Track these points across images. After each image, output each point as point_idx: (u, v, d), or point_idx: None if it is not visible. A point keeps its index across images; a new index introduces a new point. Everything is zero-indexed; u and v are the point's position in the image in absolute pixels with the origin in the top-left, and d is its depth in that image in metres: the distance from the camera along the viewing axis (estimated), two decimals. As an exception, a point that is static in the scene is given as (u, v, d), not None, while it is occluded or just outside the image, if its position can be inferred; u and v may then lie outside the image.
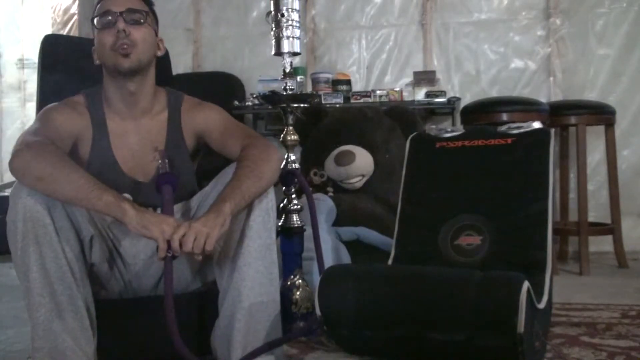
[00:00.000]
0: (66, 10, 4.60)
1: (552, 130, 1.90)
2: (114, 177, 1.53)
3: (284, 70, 1.93)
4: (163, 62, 1.72)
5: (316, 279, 1.84)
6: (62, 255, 1.34)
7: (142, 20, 1.55)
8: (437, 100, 3.34)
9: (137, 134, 1.60)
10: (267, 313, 1.46)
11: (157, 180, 1.52)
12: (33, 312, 1.33)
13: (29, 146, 1.36)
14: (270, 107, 3.11)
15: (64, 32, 4.58)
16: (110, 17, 1.52)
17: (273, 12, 1.90)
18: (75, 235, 1.37)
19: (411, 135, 2.10)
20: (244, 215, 1.44)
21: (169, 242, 1.31)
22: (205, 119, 1.65)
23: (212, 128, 1.63)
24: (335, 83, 3.55)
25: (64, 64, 1.88)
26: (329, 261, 2.11)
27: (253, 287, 1.43)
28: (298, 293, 1.92)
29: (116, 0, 1.54)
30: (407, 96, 3.47)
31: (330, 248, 2.26)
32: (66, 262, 1.35)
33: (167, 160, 1.56)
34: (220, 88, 3.80)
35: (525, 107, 3.03)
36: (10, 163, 1.34)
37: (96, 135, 1.57)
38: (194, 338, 1.52)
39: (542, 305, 1.58)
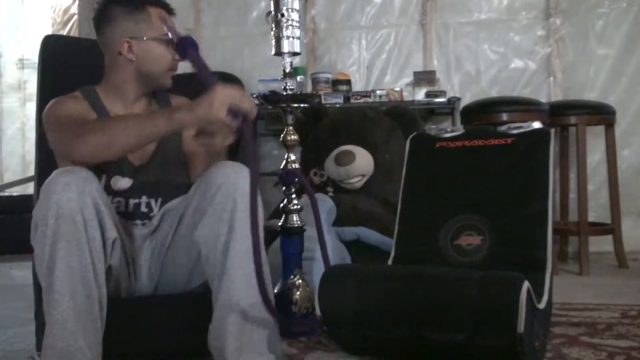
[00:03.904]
0: (66, 10, 4.60)
1: (552, 130, 1.90)
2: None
3: (284, 70, 1.93)
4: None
5: (317, 278, 1.84)
6: (87, 254, 1.34)
7: None
8: (437, 100, 3.34)
9: None
10: (261, 313, 1.45)
11: (177, 45, 1.57)
12: (51, 309, 1.32)
13: (76, 135, 1.43)
14: (270, 107, 3.11)
15: (64, 32, 4.59)
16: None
17: (273, 12, 1.90)
18: (100, 236, 1.37)
19: (411, 135, 2.10)
20: (227, 217, 1.43)
21: (232, 113, 1.31)
22: None
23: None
24: (335, 83, 3.55)
25: (64, 65, 1.88)
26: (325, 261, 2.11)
27: (243, 289, 1.42)
28: (298, 293, 1.92)
29: (172, 21, 1.69)
30: (407, 96, 3.47)
31: (330, 248, 2.25)
32: (90, 261, 1.35)
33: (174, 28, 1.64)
34: (220, 88, 3.79)
35: (525, 107, 3.03)
36: (76, 156, 1.42)
37: (99, 109, 1.64)
38: (194, 338, 1.51)
39: (542, 305, 1.58)
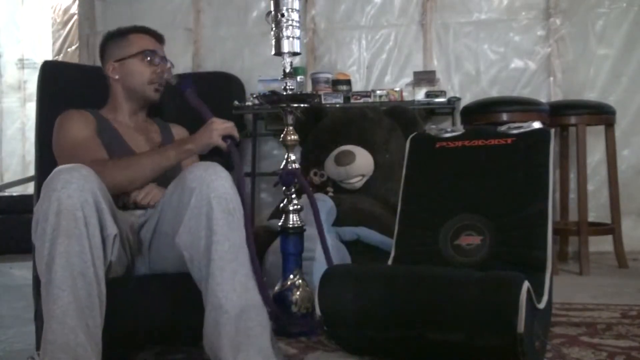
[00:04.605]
0: (66, 10, 4.60)
1: (552, 130, 1.90)
2: (122, 150, 1.83)
3: (284, 70, 1.93)
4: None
5: (317, 278, 1.83)
6: (88, 250, 1.35)
7: (170, 67, 1.95)
8: (437, 100, 3.34)
9: (137, 132, 1.92)
10: (253, 311, 1.43)
11: (180, 88, 1.82)
12: (50, 304, 1.32)
13: (98, 172, 1.49)
14: (270, 107, 3.11)
15: (64, 32, 4.59)
16: (153, 56, 1.90)
17: (273, 12, 1.90)
18: (100, 233, 1.39)
19: (411, 135, 2.10)
20: (204, 220, 1.44)
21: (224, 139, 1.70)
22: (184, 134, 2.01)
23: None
24: (335, 83, 3.55)
25: (63, 92, 1.97)
26: (328, 261, 2.11)
27: (230, 290, 1.41)
28: (298, 293, 1.92)
29: (157, 46, 1.95)
30: (407, 96, 3.47)
31: (330, 248, 2.25)
32: (90, 257, 1.35)
33: (172, 72, 1.92)
34: (220, 88, 3.79)
35: (525, 107, 3.03)
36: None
37: (104, 127, 1.86)
38: (192, 320, 1.51)
39: (542, 305, 1.58)
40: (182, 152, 1.71)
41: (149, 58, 1.90)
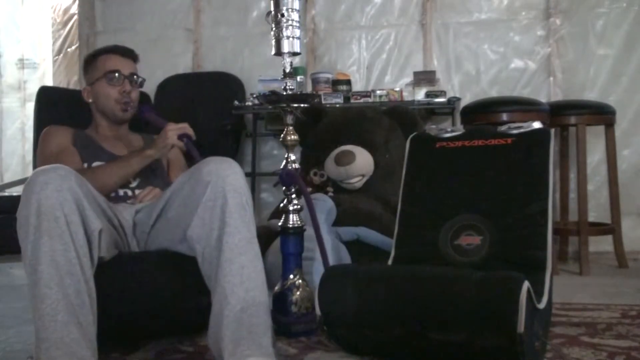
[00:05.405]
0: (66, 10, 4.60)
1: (552, 130, 1.90)
2: (99, 155, 1.98)
3: (284, 70, 1.93)
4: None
5: (317, 279, 1.83)
6: (72, 248, 1.36)
7: (139, 83, 2.11)
8: (437, 100, 3.34)
9: (119, 141, 2.09)
10: (258, 307, 1.43)
11: (139, 113, 2.08)
12: (39, 304, 1.32)
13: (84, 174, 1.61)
14: (270, 107, 3.11)
15: (64, 32, 4.59)
16: (118, 76, 2.03)
17: (273, 12, 1.90)
18: (83, 230, 1.40)
19: (411, 135, 2.10)
20: (219, 212, 1.46)
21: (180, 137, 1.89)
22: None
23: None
24: (335, 83, 3.55)
25: (57, 115, 2.10)
26: (325, 263, 2.11)
27: (238, 284, 1.42)
28: (298, 293, 1.92)
29: (124, 63, 2.06)
30: (407, 96, 3.47)
31: (329, 248, 2.25)
32: (76, 255, 1.36)
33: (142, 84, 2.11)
34: (220, 88, 3.80)
35: (525, 107, 3.03)
36: None
37: (84, 141, 2.02)
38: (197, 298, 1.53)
39: (542, 305, 1.58)
40: (143, 157, 1.89)
41: (116, 75, 2.03)
